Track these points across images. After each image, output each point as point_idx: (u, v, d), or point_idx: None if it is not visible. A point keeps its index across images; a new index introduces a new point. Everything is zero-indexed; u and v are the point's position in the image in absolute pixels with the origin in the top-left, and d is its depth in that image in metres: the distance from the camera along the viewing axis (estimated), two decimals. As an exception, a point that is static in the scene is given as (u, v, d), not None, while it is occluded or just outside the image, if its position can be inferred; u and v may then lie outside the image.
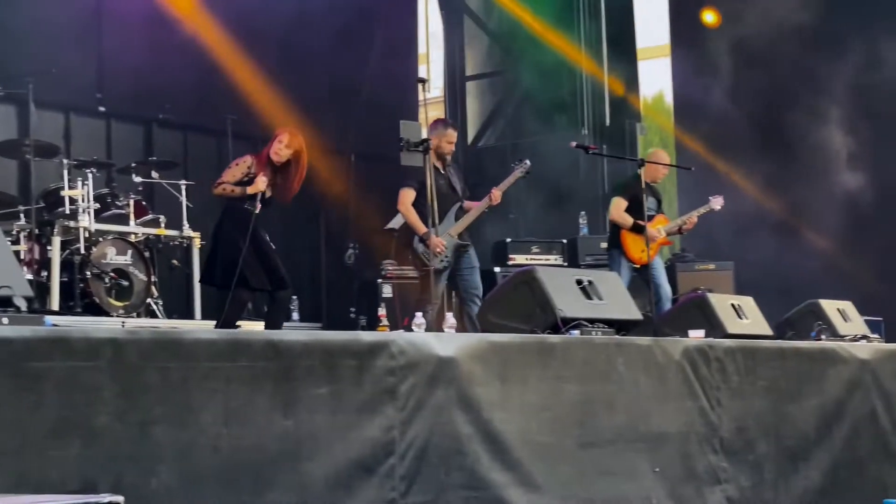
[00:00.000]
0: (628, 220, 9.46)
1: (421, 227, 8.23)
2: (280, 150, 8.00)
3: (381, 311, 7.40)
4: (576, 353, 5.15)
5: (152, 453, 3.69)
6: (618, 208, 9.54)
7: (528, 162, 8.81)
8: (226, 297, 8.02)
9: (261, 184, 7.86)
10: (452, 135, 8.50)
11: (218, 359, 3.90)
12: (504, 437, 4.72)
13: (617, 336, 5.72)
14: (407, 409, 4.42)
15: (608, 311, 5.94)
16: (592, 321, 5.70)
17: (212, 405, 3.86)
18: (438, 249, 8.16)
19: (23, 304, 3.73)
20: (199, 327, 7.67)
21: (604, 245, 10.25)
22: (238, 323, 7.98)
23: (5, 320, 3.62)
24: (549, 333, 5.56)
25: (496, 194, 8.57)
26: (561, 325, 5.61)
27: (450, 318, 6.33)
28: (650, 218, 9.42)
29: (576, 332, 5.55)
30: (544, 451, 4.90)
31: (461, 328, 7.97)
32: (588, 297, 5.96)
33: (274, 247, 8.38)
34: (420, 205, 8.22)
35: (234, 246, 7.85)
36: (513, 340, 5.02)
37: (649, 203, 9.49)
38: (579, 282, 6.02)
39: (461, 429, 4.58)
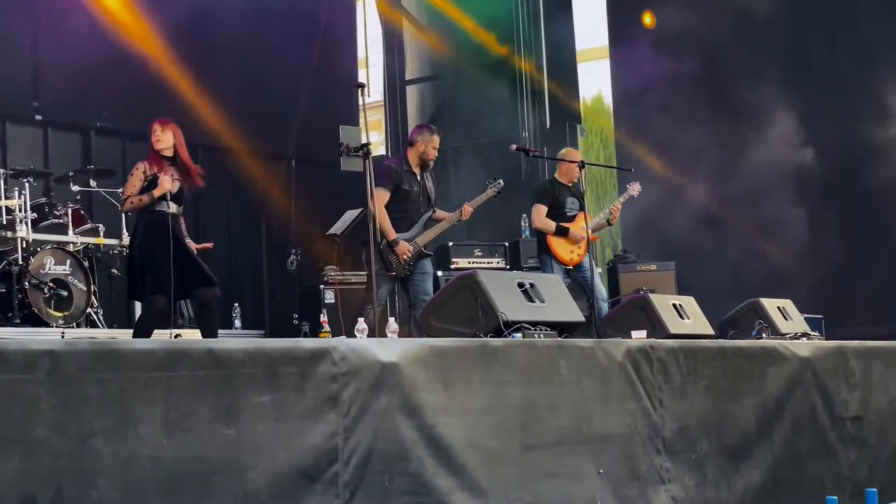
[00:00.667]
0: (551, 224, 9.52)
1: (391, 233, 8.17)
2: (160, 140, 7.83)
3: (323, 318, 7.35)
4: (518, 357, 5.15)
5: (92, 466, 3.64)
6: (539, 215, 9.60)
7: (501, 181, 8.90)
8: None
9: (166, 183, 7.59)
10: (438, 140, 8.48)
11: (157, 369, 3.86)
12: (448, 442, 4.71)
13: (559, 338, 5.74)
14: (350, 415, 4.40)
15: (550, 314, 5.96)
16: (535, 324, 5.72)
17: (151, 416, 3.82)
18: (405, 256, 8.14)
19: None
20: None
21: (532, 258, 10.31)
22: (177, 332, 7.87)
23: (-60, 334, 3.56)
24: (491, 337, 5.57)
25: (467, 210, 8.67)
26: (503, 328, 5.62)
27: (392, 324, 6.32)
28: (572, 218, 9.52)
29: (518, 336, 5.56)
30: (489, 455, 4.90)
31: (406, 333, 7.96)
32: (530, 299, 5.98)
33: (206, 246, 8.16)
34: (393, 208, 8.21)
35: (150, 254, 7.54)
36: (455, 345, 5.01)
37: (570, 203, 9.59)
38: (521, 285, 6.03)
39: (405, 434, 4.57)
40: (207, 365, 4.01)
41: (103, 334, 8.02)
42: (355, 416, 4.41)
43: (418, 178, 8.43)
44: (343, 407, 4.38)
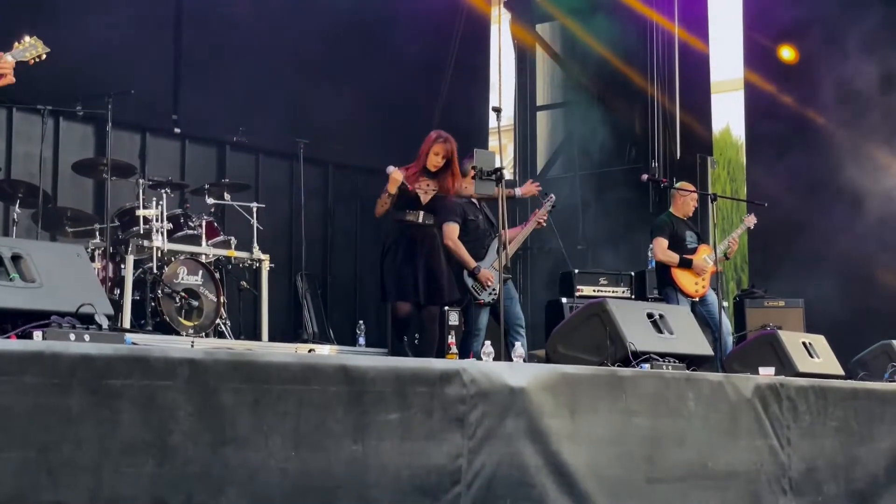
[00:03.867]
0: (674, 256, 9.51)
1: (471, 262, 8.39)
2: (437, 155, 8.11)
3: (451, 339, 7.41)
4: (646, 387, 5.11)
5: (222, 474, 3.70)
6: (661, 247, 9.58)
7: (553, 196, 9.03)
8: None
9: (397, 174, 7.90)
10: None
11: (291, 382, 3.91)
12: (572, 470, 4.68)
13: (688, 371, 5.67)
14: (476, 437, 4.40)
15: (679, 346, 5.89)
16: (663, 355, 5.67)
17: (282, 428, 3.86)
18: (489, 282, 8.25)
19: (104, 322, 3.77)
20: (275, 350, 7.73)
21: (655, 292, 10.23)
22: (311, 347, 8.08)
23: (87, 337, 3.66)
24: (619, 366, 5.52)
25: (529, 228, 8.87)
26: (631, 358, 5.57)
27: (487, 346, 6.38)
28: (693, 251, 9.51)
29: (646, 366, 5.51)
30: (612, 486, 4.85)
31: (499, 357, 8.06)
32: (659, 330, 5.93)
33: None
34: (463, 240, 8.41)
35: (393, 259, 8.04)
36: (584, 372, 4.98)
37: (689, 237, 9.57)
38: (650, 315, 5.99)
39: (529, 460, 4.55)
40: (339, 381, 4.05)
41: (241, 345, 8.17)
42: (481, 439, 4.41)
43: (478, 205, 8.59)
44: (469, 429, 4.38)
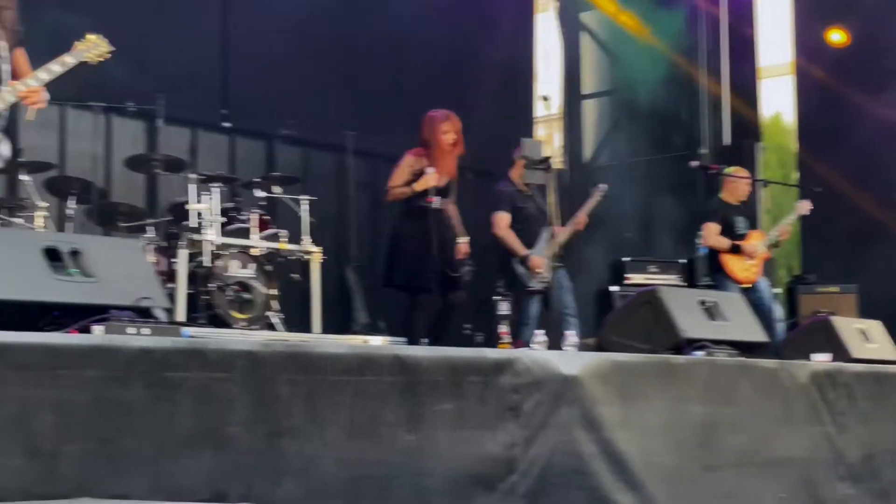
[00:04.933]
0: (725, 242, 9.45)
1: (521, 249, 8.41)
2: (449, 133, 8.19)
3: (503, 329, 7.41)
4: (700, 374, 5.11)
5: (279, 465, 3.74)
6: (711, 233, 9.52)
7: (604, 185, 9.04)
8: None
9: (431, 179, 7.93)
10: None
11: (346, 373, 3.94)
12: (627, 458, 4.69)
13: (742, 358, 5.64)
14: (530, 426, 4.42)
15: (732, 333, 5.87)
16: (716, 342, 5.64)
17: (338, 419, 3.90)
18: (539, 269, 8.25)
19: (162, 315, 3.82)
20: (330, 342, 7.78)
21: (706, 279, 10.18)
22: (365, 338, 8.11)
23: (146, 331, 3.71)
24: (672, 354, 5.51)
25: (582, 219, 8.73)
26: (684, 345, 5.56)
27: (539, 335, 6.38)
28: (742, 237, 9.45)
29: (699, 353, 5.49)
30: (667, 473, 4.86)
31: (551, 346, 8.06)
32: (711, 317, 5.91)
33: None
34: (514, 228, 8.41)
35: (413, 247, 8.02)
36: (636, 360, 4.99)
37: (739, 223, 9.50)
38: (702, 302, 5.97)
39: (584, 448, 4.57)
40: (394, 371, 4.08)
41: (294, 337, 8.21)
42: (535, 428, 4.43)
43: (528, 194, 8.63)
44: (524, 418, 4.41)
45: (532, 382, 4.46)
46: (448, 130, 8.16)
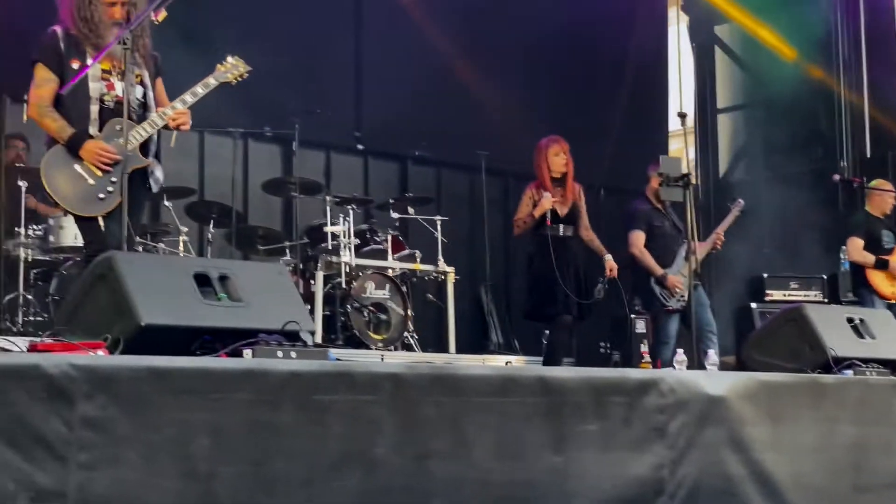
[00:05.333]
0: (870, 257, 9.23)
1: (657, 269, 8.43)
2: (559, 157, 8.20)
3: (644, 349, 7.37)
4: (850, 394, 4.97)
5: (427, 486, 3.74)
6: (856, 248, 9.31)
7: (741, 200, 9.06)
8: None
9: (546, 202, 7.96)
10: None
11: (491, 394, 3.93)
12: (776, 479, 4.58)
13: (894, 377, 5.48)
14: (677, 448, 4.35)
15: (883, 351, 5.70)
16: (866, 361, 5.49)
17: (484, 440, 3.89)
18: (677, 288, 8.18)
19: (309, 339, 3.86)
20: (473, 364, 7.83)
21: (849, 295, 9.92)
22: (508, 358, 8.15)
23: (294, 354, 3.75)
24: (819, 373, 5.38)
25: (720, 236, 8.73)
26: (832, 364, 5.42)
27: (680, 354, 6.29)
28: (889, 251, 9.25)
29: (848, 372, 5.34)
30: (818, 495, 4.73)
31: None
32: (860, 335, 5.74)
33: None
34: (650, 247, 8.40)
35: (542, 276, 8.02)
36: (783, 380, 4.88)
37: (886, 237, 9.25)
38: (850, 320, 5.81)
39: (732, 469, 4.48)
40: (537, 392, 4.05)
41: (430, 357, 8.27)
42: (682, 449, 4.36)
43: (663, 211, 8.62)
44: (670, 439, 4.34)
45: (677, 403, 4.39)
46: (558, 152, 8.15)
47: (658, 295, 8.34)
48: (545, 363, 8.16)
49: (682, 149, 14.23)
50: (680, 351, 6.20)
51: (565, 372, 4.24)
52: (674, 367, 6.01)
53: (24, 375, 2.97)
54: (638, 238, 8.43)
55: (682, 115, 7.38)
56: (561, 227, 8.17)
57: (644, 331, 8.92)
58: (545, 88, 11.56)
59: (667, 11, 13.61)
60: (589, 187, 11.79)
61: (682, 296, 8.23)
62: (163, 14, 5.15)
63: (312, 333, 4.01)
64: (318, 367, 3.55)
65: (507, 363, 7.49)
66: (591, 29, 11.74)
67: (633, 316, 9.76)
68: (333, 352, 7.18)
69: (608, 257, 8.28)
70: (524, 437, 3.99)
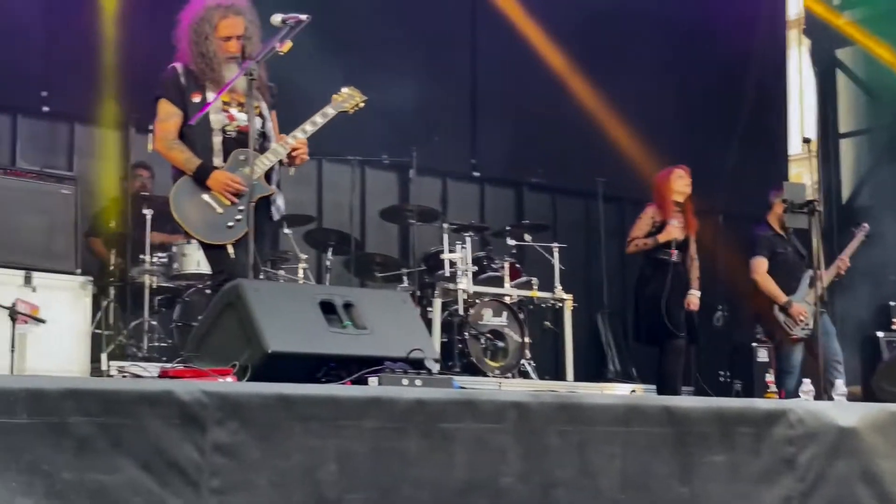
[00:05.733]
0: None
1: (781, 297, 8.31)
2: (684, 183, 8.12)
3: (769, 378, 7.24)
4: None
5: (553, 516, 3.72)
6: None
7: (866, 225, 8.91)
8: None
9: (674, 231, 7.92)
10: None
11: (615, 423, 3.90)
12: (910, 514, 4.46)
13: None
14: (807, 480, 4.27)
15: None
16: None
17: (609, 469, 3.86)
18: (802, 316, 8.04)
19: (434, 367, 3.87)
20: (588, 391, 7.80)
21: None
22: (633, 388, 8.10)
23: (419, 382, 3.76)
24: (954, 404, 5.22)
25: (844, 262, 8.58)
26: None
27: (806, 384, 6.15)
28: None
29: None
30: (954, 530, 4.58)
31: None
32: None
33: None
34: (772, 273, 8.29)
35: (655, 299, 7.93)
36: (917, 411, 4.74)
37: None
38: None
39: (865, 503, 4.37)
40: (662, 422, 4.01)
41: (549, 385, 8.25)
42: (812, 482, 4.27)
43: (786, 237, 8.48)
44: (800, 471, 4.26)
45: (807, 434, 4.31)
46: (682, 175, 8.09)
47: (782, 323, 8.19)
48: (660, 389, 8.06)
49: (801, 174, 14.07)
50: (806, 381, 6.05)
51: (690, 401, 4.19)
52: (801, 398, 5.87)
53: (157, 402, 3.02)
54: (760, 265, 8.31)
55: (807, 141, 7.26)
56: (676, 252, 8.08)
57: (767, 360, 8.78)
58: (663, 114, 11.45)
59: (787, 35, 13.42)
60: (708, 213, 11.71)
61: (807, 324, 8.07)
62: (288, 45, 5.22)
63: (437, 361, 4.02)
64: (444, 396, 3.56)
65: (632, 391, 7.42)
66: (709, 54, 11.63)
67: (755, 344, 9.61)
68: (465, 380, 7.21)
69: (694, 292, 8.15)
70: (650, 466, 3.95)
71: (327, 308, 3.98)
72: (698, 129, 11.72)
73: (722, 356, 10.58)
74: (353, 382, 3.75)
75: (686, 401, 4.23)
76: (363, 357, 3.85)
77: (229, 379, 3.65)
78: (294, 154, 5.52)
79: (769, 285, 8.26)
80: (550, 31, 11.12)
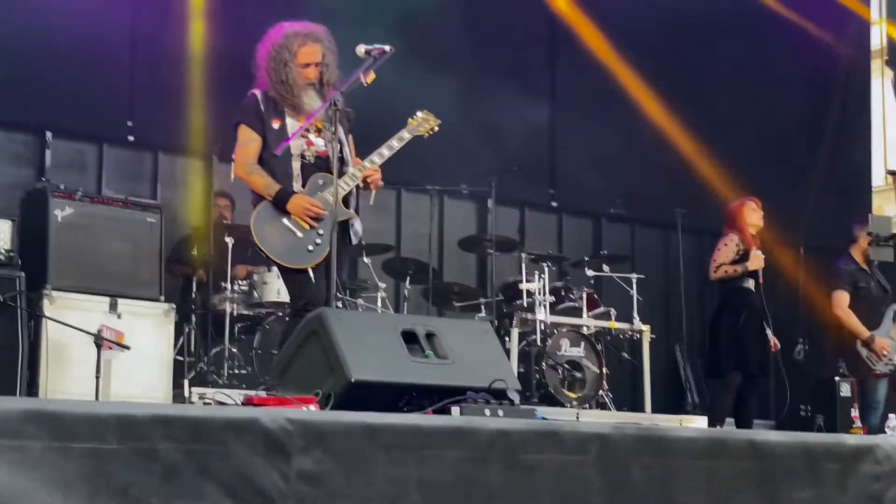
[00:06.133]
0: None
1: (863, 332, 8.24)
2: (757, 214, 8.04)
3: (854, 413, 7.13)
4: None
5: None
6: None
7: None
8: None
9: (759, 259, 7.82)
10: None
11: (699, 457, 3.86)
12: None
13: None
14: (894, 518, 4.19)
15: None
16: None
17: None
18: (885, 352, 7.96)
19: (516, 398, 3.86)
20: (667, 423, 7.71)
21: None
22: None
23: (501, 412, 3.75)
24: None
25: None
26: None
27: (892, 419, 6.05)
28: None
29: None
30: None
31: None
32: None
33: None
34: (854, 307, 8.23)
35: (733, 329, 7.84)
36: None
37: None
38: None
39: (954, 543, 4.27)
40: (747, 456, 3.96)
41: (635, 418, 8.21)
42: (900, 520, 4.19)
43: (868, 271, 8.41)
44: (886, 508, 4.18)
45: (894, 471, 4.23)
46: (755, 208, 8.00)
47: (865, 358, 8.07)
48: (738, 423, 7.95)
49: (883, 206, 13.84)
50: (892, 416, 5.96)
51: (776, 436, 4.13)
52: (887, 434, 5.78)
53: (243, 429, 3.04)
54: (842, 298, 8.20)
55: (892, 173, 7.16)
56: (752, 281, 7.97)
57: (850, 394, 8.64)
58: (743, 144, 11.36)
59: (870, 65, 13.25)
60: (789, 245, 11.57)
61: (891, 359, 7.94)
62: (371, 76, 5.28)
63: (518, 392, 4.01)
64: (526, 426, 3.55)
65: (719, 426, 7.35)
66: (791, 84, 11.54)
67: (837, 379, 9.45)
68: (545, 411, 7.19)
69: (770, 333, 8.03)
70: (735, 501, 3.90)
71: (409, 337, 4.00)
72: (779, 160, 11.62)
73: (803, 390, 10.42)
74: (436, 412, 3.76)
75: (771, 435, 4.16)
76: (445, 387, 3.85)
77: (312, 407, 3.67)
78: (368, 179, 5.55)
79: (851, 320, 8.15)
80: (629, 61, 11.11)
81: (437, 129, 5.81)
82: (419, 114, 5.80)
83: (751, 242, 7.96)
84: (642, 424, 4.37)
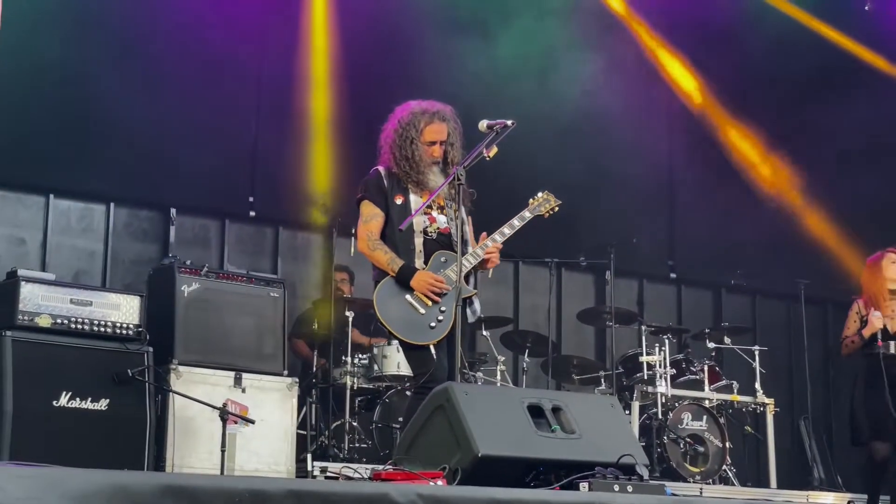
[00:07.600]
0: None
1: None
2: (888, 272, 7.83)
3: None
4: None
5: None
6: None
7: None
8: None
9: (877, 321, 7.61)
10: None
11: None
12: None
13: None
14: None
15: None
16: None
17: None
18: None
19: (645, 473, 3.81)
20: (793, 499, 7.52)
21: None
22: (850, 498, 7.72)
23: (630, 488, 3.71)
24: None
25: None
26: None
27: None
28: None
29: None
30: None
31: None
32: None
33: None
34: None
35: (870, 399, 7.64)
36: None
37: None
38: None
39: None
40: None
41: (760, 493, 8.01)
42: None
43: None
44: None
45: None
46: (887, 266, 7.77)
47: None
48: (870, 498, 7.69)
49: None
50: None
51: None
52: None
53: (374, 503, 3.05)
54: None
55: None
56: (892, 343, 7.71)
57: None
58: (866, 206, 11.04)
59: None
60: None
61: None
62: (494, 150, 5.32)
63: (647, 467, 3.95)
64: (657, 503, 3.49)
65: (848, 502, 7.12)
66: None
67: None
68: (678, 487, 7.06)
69: None
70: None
71: (535, 411, 3.98)
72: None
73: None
74: (563, 487, 3.72)
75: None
76: (573, 462, 3.82)
77: (440, 482, 3.67)
78: (487, 257, 5.58)
79: None
80: (744, 122, 11.00)
81: (557, 209, 5.85)
82: (540, 194, 5.86)
83: (881, 302, 7.70)
84: (770, 500, 4.26)
